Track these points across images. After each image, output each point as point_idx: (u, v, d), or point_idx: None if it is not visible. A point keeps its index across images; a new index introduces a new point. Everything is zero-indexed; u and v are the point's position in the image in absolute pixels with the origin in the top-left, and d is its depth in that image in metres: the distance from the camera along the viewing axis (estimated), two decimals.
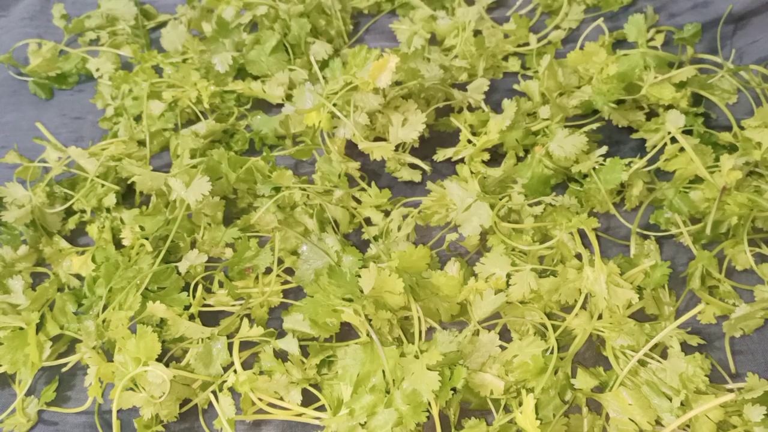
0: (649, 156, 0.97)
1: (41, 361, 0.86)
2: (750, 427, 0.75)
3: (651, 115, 1.07)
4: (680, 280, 0.92)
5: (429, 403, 0.74)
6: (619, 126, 1.06)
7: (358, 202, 1.02)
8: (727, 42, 1.21)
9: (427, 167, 1.03)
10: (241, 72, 1.20)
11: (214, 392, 0.81)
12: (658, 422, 0.76)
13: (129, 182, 1.01)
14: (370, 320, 0.80)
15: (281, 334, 0.85)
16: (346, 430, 0.75)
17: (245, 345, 0.85)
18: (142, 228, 0.95)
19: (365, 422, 0.74)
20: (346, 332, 0.86)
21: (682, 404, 0.75)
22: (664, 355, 0.82)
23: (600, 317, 0.84)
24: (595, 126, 1.02)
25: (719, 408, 0.75)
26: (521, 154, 1.04)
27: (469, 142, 1.03)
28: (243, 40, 1.20)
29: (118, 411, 0.78)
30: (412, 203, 1.01)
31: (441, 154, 1.04)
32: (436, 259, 0.94)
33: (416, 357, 0.77)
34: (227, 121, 1.14)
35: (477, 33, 1.23)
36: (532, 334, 0.84)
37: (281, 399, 0.80)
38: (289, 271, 0.93)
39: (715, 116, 1.09)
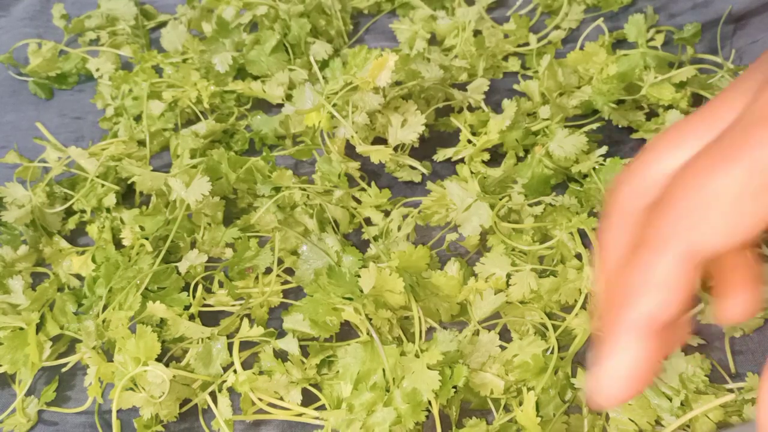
0: None
1: (41, 361, 0.85)
2: None
3: (651, 115, 1.07)
4: None
5: (429, 402, 0.74)
6: (619, 126, 1.06)
7: (358, 202, 1.02)
8: (727, 42, 1.21)
9: (425, 169, 1.03)
10: (241, 72, 1.20)
11: (212, 395, 0.81)
12: (658, 422, 0.76)
13: (129, 182, 1.01)
14: (371, 319, 0.80)
15: (281, 334, 0.85)
16: (345, 425, 0.75)
17: (245, 345, 0.85)
18: (142, 228, 0.95)
19: (364, 419, 0.74)
20: (346, 332, 0.86)
21: (682, 404, 0.75)
22: None
23: None
24: (595, 126, 1.02)
25: (719, 408, 0.75)
26: (521, 154, 1.03)
27: (469, 142, 1.03)
28: (243, 40, 1.20)
29: (118, 411, 0.78)
30: (412, 203, 1.01)
31: (441, 154, 1.04)
32: (436, 259, 0.94)
33: (416, 356, 0.77)
34: (227, 121, 1.14)
35: (477, 33, 1.23)
36: (532, 334, 0.83)
37: (281, 399, 0.80)
38: (289, 271, 0.93)
39: None
